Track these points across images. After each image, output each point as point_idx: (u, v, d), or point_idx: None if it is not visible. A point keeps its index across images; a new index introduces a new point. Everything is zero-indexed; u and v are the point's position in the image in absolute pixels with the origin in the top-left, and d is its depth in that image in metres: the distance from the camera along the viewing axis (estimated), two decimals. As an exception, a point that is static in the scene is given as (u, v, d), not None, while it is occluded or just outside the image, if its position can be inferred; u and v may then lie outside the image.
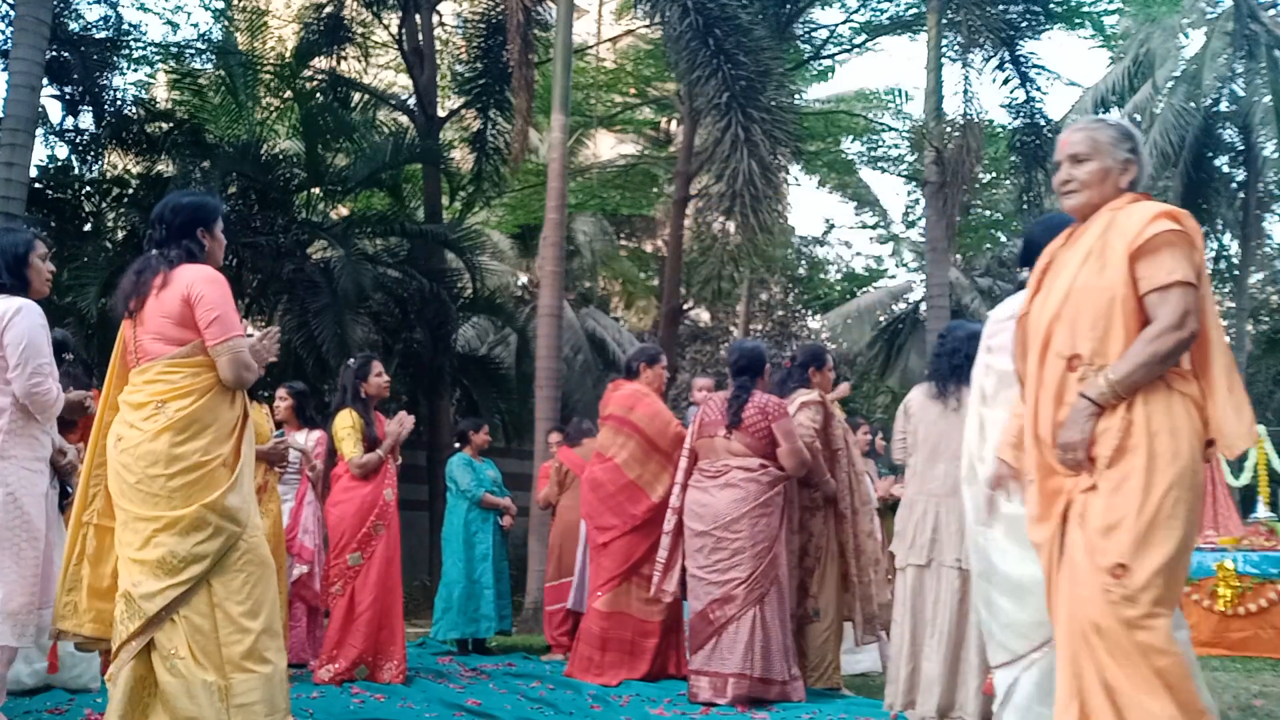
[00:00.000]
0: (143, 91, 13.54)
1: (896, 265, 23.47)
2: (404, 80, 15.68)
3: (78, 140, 11.28)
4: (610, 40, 17.87)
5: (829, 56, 15.85)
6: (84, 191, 10.96)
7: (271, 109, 12.72)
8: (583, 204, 16.48)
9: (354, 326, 9.98)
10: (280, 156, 11.36)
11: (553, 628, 7.13)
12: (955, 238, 16.38)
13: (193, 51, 12.84)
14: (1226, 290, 18.50)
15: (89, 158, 11.36)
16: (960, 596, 4.10)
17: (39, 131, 9.12)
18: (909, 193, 21.22)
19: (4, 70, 9.07)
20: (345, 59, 12.76)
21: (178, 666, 2.96)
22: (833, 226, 28.59)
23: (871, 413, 18.77)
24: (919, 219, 19.59)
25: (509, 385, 12.54)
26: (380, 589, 5.27)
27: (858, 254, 24.50)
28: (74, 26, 11.25)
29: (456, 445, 7.47)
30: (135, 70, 13.17)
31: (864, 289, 21.95)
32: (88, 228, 10.86)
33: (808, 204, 53.37)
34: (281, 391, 6.06)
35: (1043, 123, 12.43)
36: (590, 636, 5.52)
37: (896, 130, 17.93)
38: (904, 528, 4.40)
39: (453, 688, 5.19)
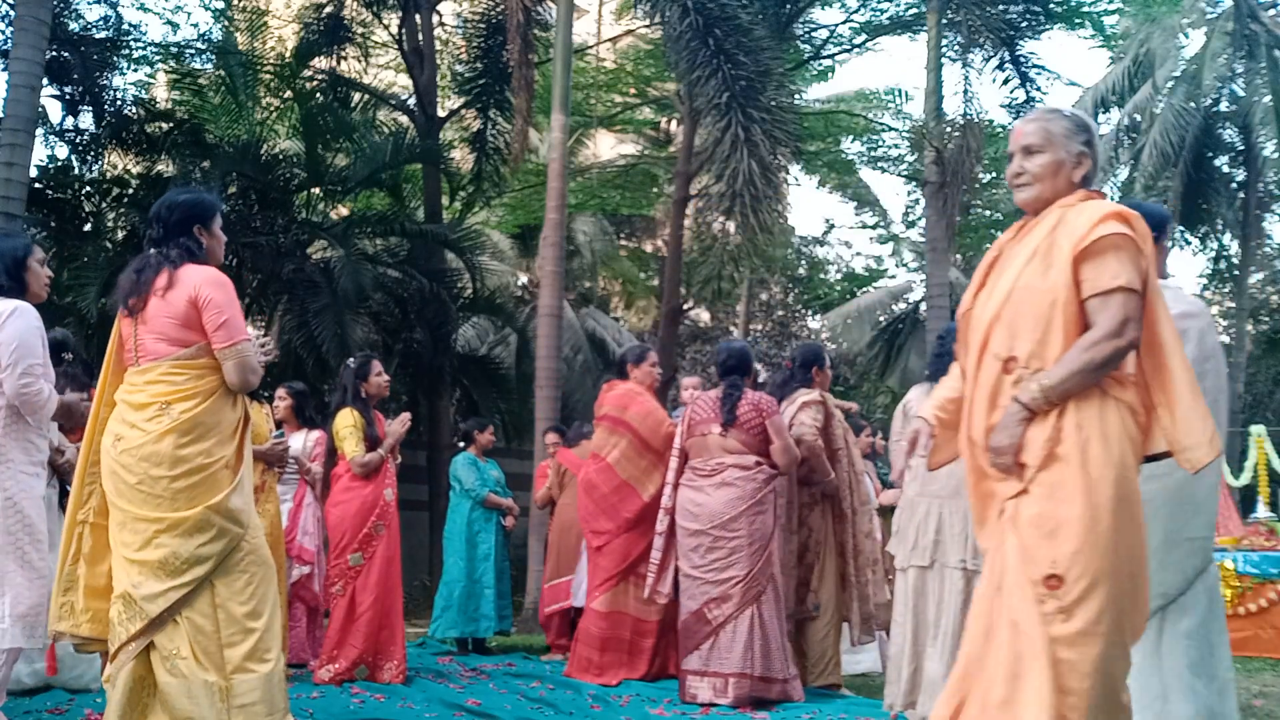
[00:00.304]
0: (143, 91, 13.55)
1: (896, 265, 23.49)
2: (404, 80, 15.67)
3: (78, 140, 11.28)
4: (610, 40, 17.86)
5: (829, 56, 15.85)
6: (84, 191, 10.96)
7: (271, 109, 12.72)
8: (583, 204, 16.48)
9: (354, 326, 9.99)
10: (280, 156, 11.36)
11: (551, 631, 7.13)
12: (955, 238, 16.38)
13: (193, 51, 12.85)
14: (1226, 290, 18.51)
15: (89, 158, 11.37)
16: (964, 598, 4.07)
17: (39, 131, 9.12)
18: (909, 193, 21.24)
19: (4, 70, 9.07)
20: (345, 59, 12.76)
21: (179, 666, 2.95)
22: (833, 226, 28.57)
23: (871, 413, 18.76)
24: (919, 219, 19.60)
25: (509, 385, 12.54)
26: (381, 589, 5.27)
27: (858, 254, 24.52)
28: (74, 26, 11.25)
29: (461, 445, 7.48)
30: (135, 70, 13.20)
31: (864, 289, 21.95)
32: (88, 228, 10.86)
33: (808, 204, 53.39)
34: (281, 391, 6.06)
35: (1043, 123, 12.40)
36: (588, 637, 5.53)
37: (896, 130, 17.92)
38: (904, 529, 4.38)
39: (453, 688, 5.19)
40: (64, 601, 3.13)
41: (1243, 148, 16.76)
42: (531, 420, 9.73)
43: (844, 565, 5.31)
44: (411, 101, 13.14)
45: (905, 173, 18.34)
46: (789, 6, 13.31)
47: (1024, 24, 12.39)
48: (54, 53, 9.96)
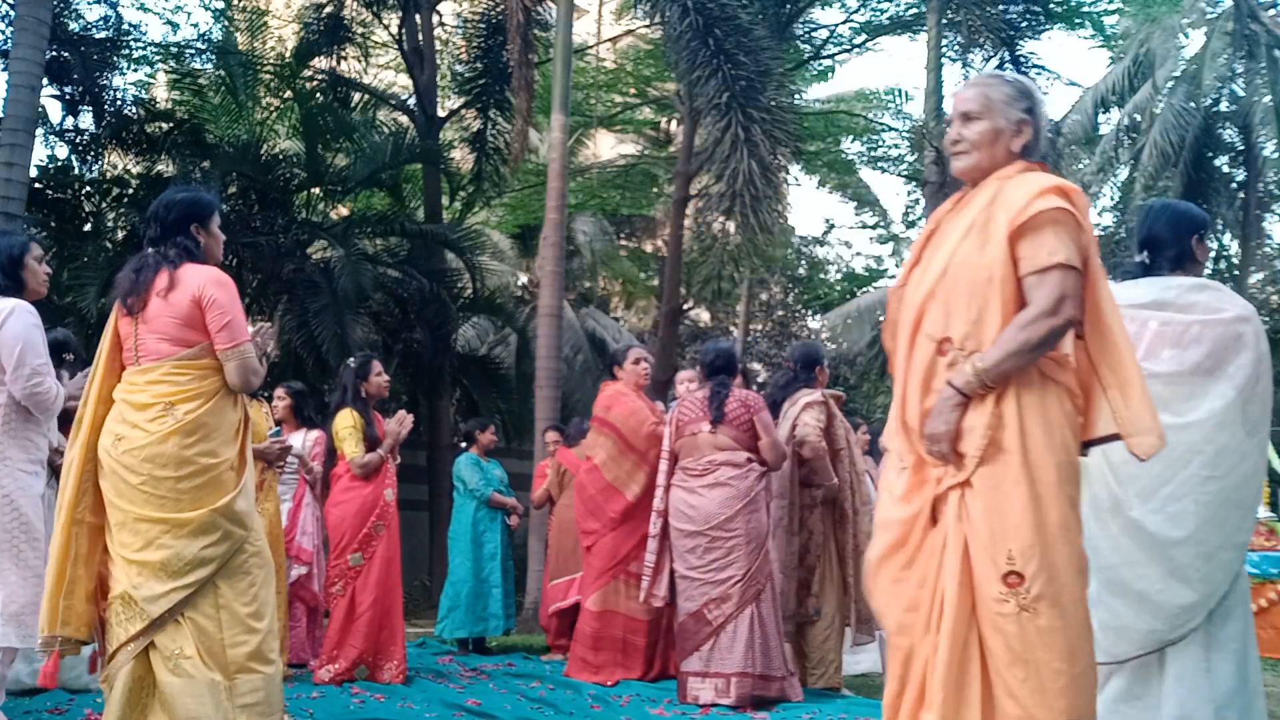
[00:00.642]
0: (143, 91, 13.54)
1: (896, 265, 23.46)
2: (404, 80, 15.68)
3: (78, 140, 11.27)
4: (610, 40, 17.87)
5: (829, 56, 15.86)
6: (84, 191, 10.96)
7: (271, 109, 12.72)
8: (583, 204, 16.48)
9: (354, 326, 9.98)
10: (280, 156, 11.36)
11: (551, 631, 7.14)
12: (955, 238, 16.36)
13: (193, 51, 12.84)
14: (1226, 290, 18.47)
15: (89, 158, 11.36)
16: None
17: (39, 131, 9.12)
18: (909, 193, 21.23)
19: (4, 70, 9.07)
20: (345, 59, 12.76)
21: (183, 666, 2.95)
22: (833, 226, 28.58)
23: (872, 413, 18.75)
24: (919, 219, 19.59)
25: (509, 385, 12.54)
26: (381, 589, 5.27)
27: (858, 254, 24.52)
28: (74, 26, 11.24)
29: (463, 445, 7.49)
30: (135, 70, 13.19)
31: (864, 289, 21.93)
32: (88, 228, 10.86)
33: (808, 204, 53.40)
34: (280, 391, 6.06)
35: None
36: (583, 637, 5.56)
37: (896, 130, 17.93)
38: None
39: (453, 688, 5.19)
40: (66, 605, 3.07)
41: (1243, 148, 16.75)
42: (531, 420, 9.73)
43: (845, 568, 5.31)
44: (411, 101, 13.13)
45: (905, 173, 18.35)
46: (789, 6, 13.31)
47: (1024, 24, 12.41)
48: (54, 53, 9.96)
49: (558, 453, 7.51)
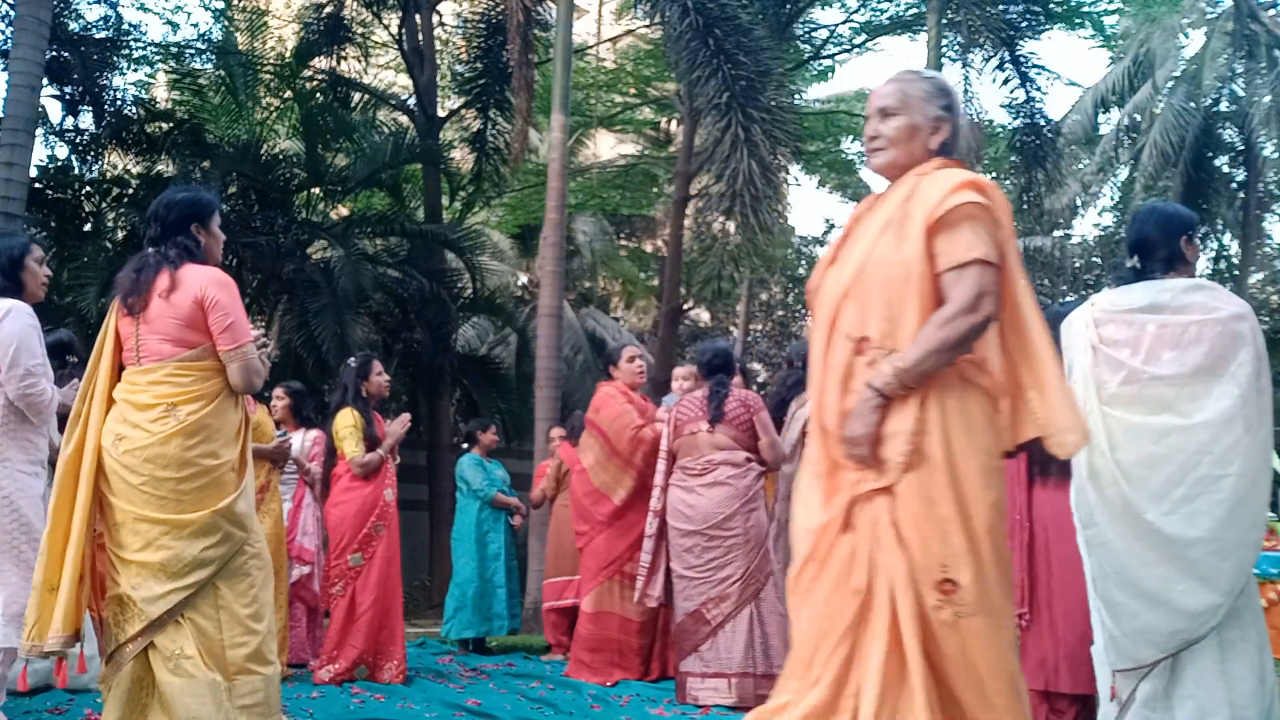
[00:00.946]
0: (143, 91, 13.54)
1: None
2: (404, 80, 15.67)
3: (78, 140, 11.27)
4: (610, 40, 17.87)
5: (829, 56, 15.86)
6: (84, 191, 10.96)
7: (271, 109, 12.72)
8: (583, 204, 16.48)
9: (354, 326, 9.98)
10: (280, 156, 11.36)
11: (550, 626, 7.14)
12: (955, 238, 16.36)
13: (193, 51, 12.84)
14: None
15: (89, 158, 11.36)
16: None
17: (39, 131, 9.12)
18: (909, 193, 21.18)
19: (4, 70, 9.07)
20: (345, 59, 12.75)
21: (184, 667, 2.94)
22: (833, 226, 28.45)
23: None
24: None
25: (509, 385, 12.54)
26: (381, 589, 5.28)
27: (857, 254, 24.44)
28: (74, 26, 11.24)
29: (465, 445, 7.50)
30: (135, 70, 13.19)
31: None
32: (88, 228, 10.86)
33: (808, 204, 53.40)
34: (278, 391, 6.06)
35: (1043, 123, 12.43)
36: (579, 638, 5.59)
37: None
38: None
39: (453, 688, 5.19)
40: (82, 604, 3.06)
41: (1243, 148, 16.76)
42: (531, 420, 9.73)
43: None
44: (411, 101, 13.13)
45: (905, 173, 18.31)
46: (789, 6, 13.31)
47: (1024, 24, 12.39)
48: (54, 53, 9.95)
49: (560, 449, 7.52)
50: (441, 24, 14.24)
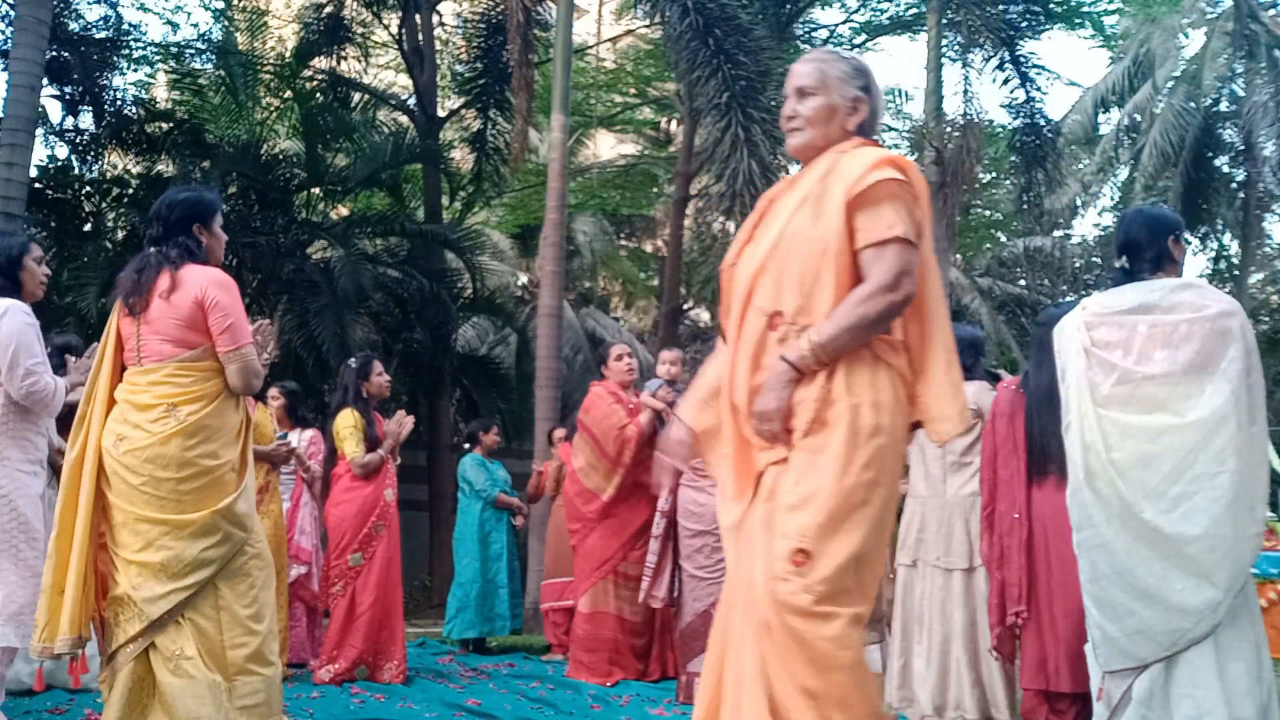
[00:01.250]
0: (143, 91, 13.55)
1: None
2: (404, 80, 15.68)
3: (78, 140, 11.28)
4: (610, 40, 17.87)
5: (829, 56, 15.84)
6: (84, 191, 10.96)
7: (271, 109, 12.72)
8: (583, 204, 16.48)
9: (354, 326, 9.98)
10: (280, 156, 11.36)
11: (551, 626, 7.15)
12: (955, 238, 16.38)
13: (193, 51, 12.84)
14: (1226, 290, 18.49)
15: (89, 158, 11.36)
16: (945, 595, 4.22)
17: (39, 131, 9.12)
18: (909, 193, 21.18)
19: (4, 70, 9.07)
20: (345, 59, 12.76)
21: (184, 667, 2.95)
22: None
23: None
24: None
25: (509, 385, 12.54)
26: (381, 589, 5.28)
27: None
28: (74, 26, 11.24)
29: (466, 446, 7.51)
30: (135, 70, 13.20)
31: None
32: (88, 228, 10.86)
33: (808, 204, 53.20)
34: (274, 391, 6.06)
35: (1043, 123, 12.44)
36: (576, 639, 5.60)
37: (896, 130, 17.93)
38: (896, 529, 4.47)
39: (453, 688, 5.19)
40: (88, 607, 3.06)
41: (1243, 148, 16.76)
42: (531, 420, 9.73)
43: None
44: (411, 101, 13.13)
45: (905, 173, 18.31)
46: (789, 6, 13.31)
47: (1024, 24, 12.39)
48: (54, 53, 9.95)
49: (561, 449, 7.54)
50: (441, 24, 14.24)
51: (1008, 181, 16.80)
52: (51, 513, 3.76)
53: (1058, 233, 20.49)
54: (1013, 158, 13.02)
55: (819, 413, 2.13)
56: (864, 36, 15.47)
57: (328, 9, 12.36)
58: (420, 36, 12.45)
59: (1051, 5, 13.31)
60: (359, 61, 13.12)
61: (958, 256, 19.13)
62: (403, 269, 11.48)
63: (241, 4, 13.40)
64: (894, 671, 4.34)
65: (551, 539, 7.34)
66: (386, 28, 13.31)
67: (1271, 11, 16.52)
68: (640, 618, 5.48)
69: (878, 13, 15.11)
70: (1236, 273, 17.71)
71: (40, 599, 3.06)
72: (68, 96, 11.00)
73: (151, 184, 10.34)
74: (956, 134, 12.00)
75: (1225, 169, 17.36)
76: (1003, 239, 20.42)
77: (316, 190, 11.71)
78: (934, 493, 4.36)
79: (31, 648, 3.08)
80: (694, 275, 14.09)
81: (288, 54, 13.15)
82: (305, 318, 10.00)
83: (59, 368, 3.73)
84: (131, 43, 12.22)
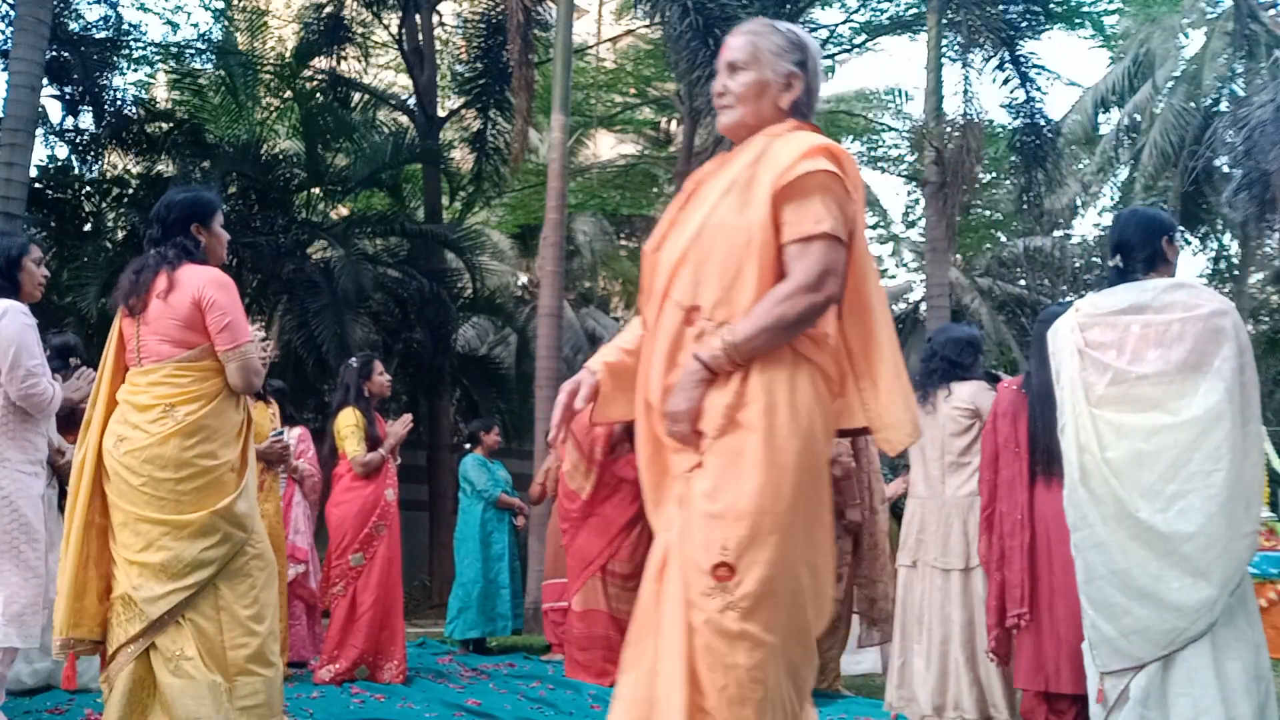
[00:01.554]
0: (143, 91, 13.56)
1: (896, 265, 23.46)
2: (404, 80, 15.69)
3: (78, 140, 11.29)
4: (610, 40, 17.88)
5: (829, 56, 15.85)
6: (84, 191, 10.97)
7: (271, 109, 12.73)
8: (583, 204, 16.49)
9: (354, 326, 9.99)
10: (280, 156, 11.37)
11: (552, 626, 7.15)
12: (955, 238, 16.37)
13: (193, 51, 12.86)
14: (1226, 290, 18.49)
15: (89, 158, 11.38)
16: (943, 595, 4.22)
17: (39, 131, 9.13)
18: (909, 193, 21.23)
19: (4, 70, 9.07)
20: (345, 59, 12.77)
21: (184, 668, 2.95)
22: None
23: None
24: (919, 219, 19.59)
25: (509, 385, 12.54)
26: (381, 589, 5.28)
27: (857, 254, 24.46)
28: (74, 26, 11.25)
29: (467, 446, 7.51)
30: (135, 70, 13.22)
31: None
32: (88, 228, 10.88)
33: (808, 204, 53.20)
34: (262, 390, 6.07)
35: (1043, 123, 12.42)
36: (571, 638, 5.60)
37: (896, 130, 17.93)
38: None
39: (453, 688, 5.19)
40: (78, 607, 3.06)
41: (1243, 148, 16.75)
42: (532, 420, 9.73)
43: (857, 564, 5.30)
44: (411, 101, 13.14)
45: (905, 173, 18.34)
46: (789, 6, 13.30)
47: (1024, 24, 12.37)
48: (54, 53, 9.96)
49: (561, 448, 7.54)
50: (441, 24, 14.24)
51: (1008, 181, 16.79)
52: (52, 513, 3.77)
53: (1058, 233, 20.48)
54: (1013, 158, 13.00)
55: (732, 415, 2.00)
56: (864, 36, 15.47)
57: (328, 9, 12.37)
58: (420, 36, 12.45)
59: (1051, 5, 13.30)
60: (359, 61, 13.13)
61: (958, 256, 19.14)
62: (403, 269, 11.48)
63: (241, 4, 13.41)
64: (893, 671, 4.35)
65: (551, 539, 7.34)
66: (386, 28, 13.31)
67: (1271, 11, 16.51)
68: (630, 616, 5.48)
69: (878, 13, 15.10)
70: (1236, 273, 17.71)
71: (57, 601, 3.06)
72: (68, 96, 11.01)
73: (151, 184, 10.35)
74: (956, 134, 11.99)
75: (1225, 169, 17.35)
76: (1003, 239, 20.42)
77: (316, 190, 11.72)
78: (933, 493, 4.36)
79: (53, 644, 3.09)
80: (694, 275, 14.00)
81: (288, 54, 13.16)
82: (305, 318, 10.01)
83: (60, 368, 3.73)
84: (131, 43, 12.24)
